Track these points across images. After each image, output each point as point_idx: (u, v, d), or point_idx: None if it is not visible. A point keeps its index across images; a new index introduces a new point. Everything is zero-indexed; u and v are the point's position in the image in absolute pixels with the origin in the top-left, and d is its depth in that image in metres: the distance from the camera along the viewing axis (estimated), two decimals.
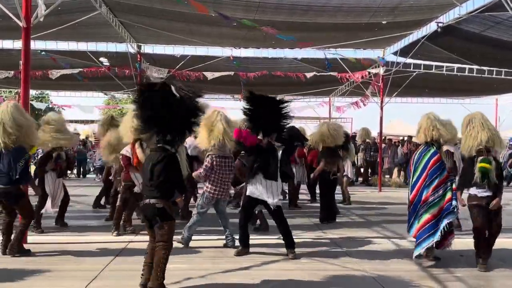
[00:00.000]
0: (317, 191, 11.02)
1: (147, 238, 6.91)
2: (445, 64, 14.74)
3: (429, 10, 10.29)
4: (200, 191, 7.41)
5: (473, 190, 5.61)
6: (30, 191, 6.49)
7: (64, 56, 14.70)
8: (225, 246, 6.49)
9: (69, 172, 17.74)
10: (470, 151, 5.69)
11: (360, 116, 32.83)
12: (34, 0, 6.80)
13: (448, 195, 5.57)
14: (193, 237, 6.60)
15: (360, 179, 16.86)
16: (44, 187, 7.30)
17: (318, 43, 12.18)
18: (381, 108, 14.79)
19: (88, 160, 18.87)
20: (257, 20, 10.49)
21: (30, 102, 9.03)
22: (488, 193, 5.51)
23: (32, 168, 8.63)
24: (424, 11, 10.29)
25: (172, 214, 4.48)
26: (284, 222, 6.11)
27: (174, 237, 4.63)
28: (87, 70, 15.61)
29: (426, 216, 5.58)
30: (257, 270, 5.42)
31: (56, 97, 25.11)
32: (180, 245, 6.28)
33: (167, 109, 4.36)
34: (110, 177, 8.83)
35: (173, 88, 4.38)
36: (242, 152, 7.47)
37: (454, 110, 18.60)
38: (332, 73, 15.18)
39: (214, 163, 6.30)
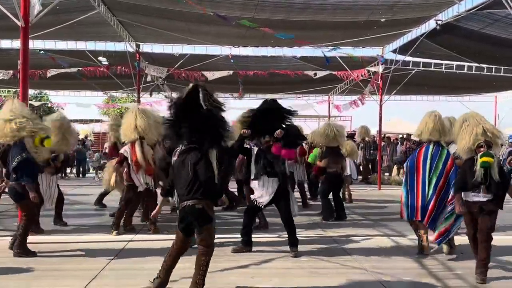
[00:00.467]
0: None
1: (147, 237, 6.96)
2: (444, 62, 14.74)
3: (428, 8, 10.28)
4: None
5: (467, 195, 5.13)
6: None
7: (63, 56, 14.68)
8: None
9: (68, 171, 17.80)
10: (468, 149, 5.23)
11: (359, 114, 32.86)
12: None
13: None
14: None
15: (360, 177, 16.87)
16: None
17: (317, 42, 12.17)
18: (380, 106, 14.79)
19: (87, 159, 18.88)
20: (255, 18, 10.48)
21: (29, 101, 8.99)
22: (482, 198, 5.00)
23: None
24: (423, 8, 10.28)
25: (212, 215, 4.34)
26: (291, 220, 6.14)
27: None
28: (86, 69, 15.61)
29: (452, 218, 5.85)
30: (256, 268, 5.42)
31: (55, 97, 25.08)
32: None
33: (198, 122, 4.30)
34: None
35: (201, 96, 4.32)
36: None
37: (453, 108, 18.58)
38: (332, 72, 15.18)
39: None
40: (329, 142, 8.88)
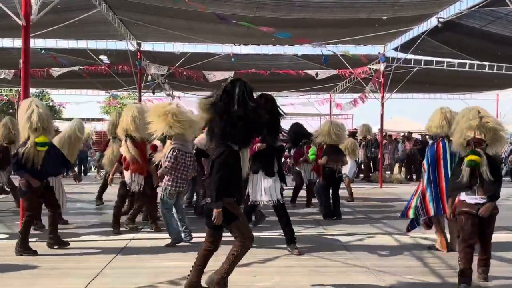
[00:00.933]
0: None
1: (149, 235, 6.97)
2: (446, 60, 14.72)
3: (430, 5, 10.26)
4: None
5: (463, 196, 4.79)
6: None
7: (64, 54, 14.69)
8: (179, 241, 6.40)
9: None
10: (459, 144, 4.89)
11: (361, 113, 32.80)
12: None
13: None
14: (195, 235, 6.60)
15: (361, 175, 16.86)
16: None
17: (318, 40, 12.16)
18: (382, 104, 14.77)
19: (88, 158, 18.89)
20: (256, 17, 10.47)
21: None
22: (479, 200, 4.67)
23: None
24: (425, 6, 10.26)
25: (235, 213, 4.19)
26: (286, 217, 6.16)
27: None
28: (86, 68, 15.62)
29: None
30: (258, 266, 5.42)
31: (57, 95, 25.15)
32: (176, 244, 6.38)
33: (226, 120, 4.16)
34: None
35: (236, 92, 4.15)
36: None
37: (455, 106, 18.50)
38: (332, 70, 15.17)
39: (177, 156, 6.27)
40: (332, 140, 8.91)
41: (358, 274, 5.18)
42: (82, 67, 15.60)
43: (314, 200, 9.93)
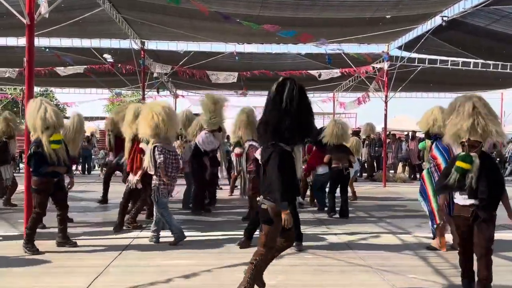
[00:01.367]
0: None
1: (152, 234, 6.96)
2: (450, 59, 14.67)
3: (434, 4, 10.22)
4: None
5: (457, 197, 4.33)
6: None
7: (68, 53, 14.73)
8: (182, 239, 6.37)
9: (73, 168, 17.85)
10: (452, 136, 4.38)
11: (364, 111, 32.75)
12: None
13: None
14: (198, 233, 6.61)
15: (365, 174, 16.83)
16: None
17: (322, 38, 12.14)
18: (386, 103, 14.74)
19: (92, 156, 18.95)
20: (260, 16, 10.46)
21: None
22: (474, 201, 4.16)
23: None
24: (429, 5, 10.23)
25: (274, 219, 4.08)
26: (295, 215, 6.17)
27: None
28: (91, 67, 15.66)
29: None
30: None
31: (60, 94, 25.20)
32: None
33: (275, 119, 4.08)
34: None
35: (286, 92, 4.08)
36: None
37: None
38: (335, 70, 15.14)
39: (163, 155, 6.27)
40: (337, 140, 8.94)
41: (361, 273, 5.17)
42: (86, 66, 15.64)
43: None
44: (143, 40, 14.86)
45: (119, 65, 15.43)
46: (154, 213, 6.48)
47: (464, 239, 4.31)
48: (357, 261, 5.65)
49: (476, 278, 4.26)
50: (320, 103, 22.75)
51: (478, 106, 4.25)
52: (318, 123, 22.41)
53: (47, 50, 13.98)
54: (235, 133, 8.22)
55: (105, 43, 14.56)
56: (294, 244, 6.07)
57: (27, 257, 5.66)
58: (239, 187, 9.27)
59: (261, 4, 9.95)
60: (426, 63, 15.07)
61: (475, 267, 4.28)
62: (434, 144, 6.18)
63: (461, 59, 14.53)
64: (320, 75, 15.45)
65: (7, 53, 14.92)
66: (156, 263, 5.48)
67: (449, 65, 14.84)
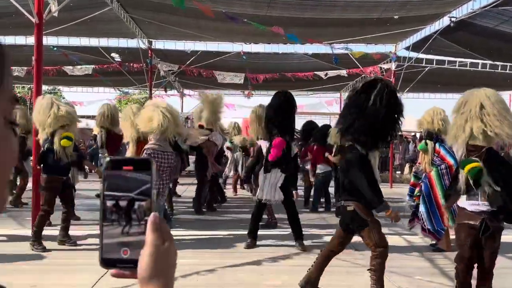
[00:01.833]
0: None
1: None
2: (458, 59, 14.58)
3: (442, 5, 10.17)
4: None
5: (463, 201, 3.79)
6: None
7: (76, 52, 14.81)
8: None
9: None
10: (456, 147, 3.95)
11: None
12: None
13: None
14: (202, 232, 6.63)
15: None
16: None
17: (329, 39, 12.11)
18: None
19: (100, 155, 18.99)
20: (267, 15, 10.46)
21: None
22: (482, 207, 3.61)
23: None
24: (437, 5, 10.17)
25: (367, 218, 4.03)
26: (295, 213, 6.18)
27: None
28: (99, 67, 15.74)
29: None
30: (266, 265, 5.42)
31: (68, 93, 25.36)
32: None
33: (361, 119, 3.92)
34: None
35: (375, 91, 3.93)
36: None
37: None
38: (342, 70, 15.10)
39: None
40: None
41: (367, 274, 5.15)
42: (94, 66, 15.72)
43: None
44: (150, 40, 14.91)
45: (127, 64, 15.49)
46: None
47: (466, 249, 3.77)
48: (363, 262, 5.63)
49: None
50: (327, 104, 22.72)
51: (486, 106, 3.68)
52: (325, 123, 22.40)
53: (55, 49, 14.05)
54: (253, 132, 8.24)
55: (113, 42, 14.63)
56: (295, 243, 6.08)
57: (34, 255, 5.70)
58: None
59: (267, 4, 9.94)
60: (434, 63, 14.99)
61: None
62: (439, 145, 6.11)
63: (469, 60, 14.44)
64: (326, 74, 15.41)
65: (16, 51, 15.01)
66: None
67: (457, 66, 14.75)
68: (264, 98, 20.10)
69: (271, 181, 6.19)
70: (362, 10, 10.34)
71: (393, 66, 14.30)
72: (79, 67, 15.82)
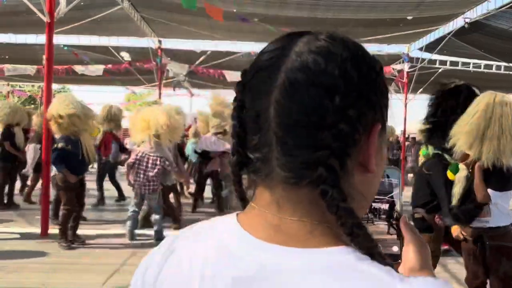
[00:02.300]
0: None
1: (167, 233, 6.93)
2: (472, 61, 14.39)
3: (457, 6, 10.02)
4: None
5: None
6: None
7: (86, 51, 14.84)
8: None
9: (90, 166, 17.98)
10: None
11: None
12: None
13: None
14: None
15: None
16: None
17: None
18: (405, 105, 14.53)
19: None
20: (279, 16, 10.38)
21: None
22: (479, 223, 3.17)
23: None
24: (451, 6, 10.03)
25: (433, 226, 3.84)
26: None
27: None
28: (109, 68, 15.77)
29: None
30: None
31: (78, 92, 25.42)
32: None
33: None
34: None
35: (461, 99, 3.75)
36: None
37: None
38: None
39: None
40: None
41: None
42: (105, 67, 15.75)
43: None
44: (160, 39, 14.89)
45: (136, 63, 15.50)
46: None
47: (469, 271, 3.38)
48: None
49: None
50: None
51: (503, 114, 3.09)
52: None
53: (66, 48, 14.09)
54: None
55: (123, 41, 14.64)
56: None
57: (42, 253, 5.67)
58: None
59: (279, 4, 9.87)
60: (447, 65, 14.80)
61: None
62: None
63: (483, 62, 14.25)
64: None
65: (26, 50, 15.08)
66: None
67: (471, 67, 14.56)
68: None
69: None
70: (375, 11, 10.23)
71: (406, 67, 14.16)
72: (90, 67, 15.85)
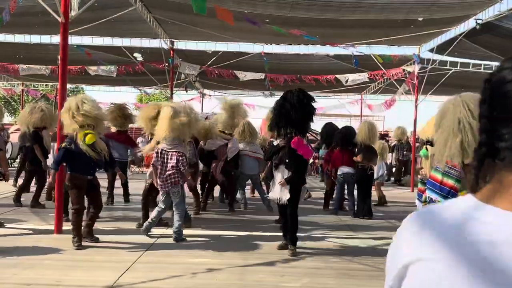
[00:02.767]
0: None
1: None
2: (483, 62, 14.29)
3: (468, 7, 9.99)
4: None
5: None
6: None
7: (99, 52, 15.00)
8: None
9: None
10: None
11: (392, 115, 32.29)
12: None
13: None
14: (223, 232, 6.61)
15: (393, 178, 16.56)
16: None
17: (351, 40, 12.01)
18: (416, 107, 14.48)
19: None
20: (289, 17, 10.43)
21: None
22: None
23: None
24: (463, 7, 9.99)
25: None
26: (294, 216, 6.10)
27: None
28: (123, 68, 15.93)
29: None
30: (286, 267, 5.40)
31: (91, 91, 25.67)
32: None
33: None
34: None
35: None
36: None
37: None
38: (364, 73, 14.99)
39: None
40: (369, 141, 9.02)
41: None
42: (119, 67, 15.92)
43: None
44: (172, 40, 15.02)
45: (151, 64, 15.63)
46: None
47: None
48: (384, 266, 5.55)
49: None
50: (348, 105, 22.57)
51: (469, 116, 3.25)
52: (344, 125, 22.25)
53: (81, 48, 14.26)
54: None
55: (136, 42, 14.79)
56: (288, 247, 5.98)
57: (55, 250, 5.78)
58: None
59: (290, 5, 9.91)
60: (458, 66, 14.72)
61: None
62: None
63: (494, 63, 14.13)
64: (347, 81, 15.33)
65: (40, 50, 15.30)
66: (182, 260, 5.53)
67: (482, 69, 14.46)
68: None
69: (277, 180, 6.14)
70: (385, 12, 10.23)
71: (416, 68, 14.11)
72: (103, 67, 16.03)
